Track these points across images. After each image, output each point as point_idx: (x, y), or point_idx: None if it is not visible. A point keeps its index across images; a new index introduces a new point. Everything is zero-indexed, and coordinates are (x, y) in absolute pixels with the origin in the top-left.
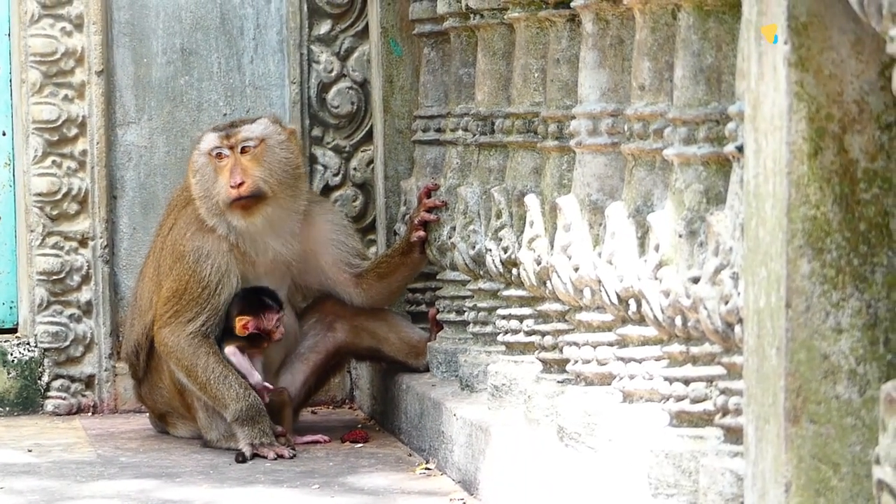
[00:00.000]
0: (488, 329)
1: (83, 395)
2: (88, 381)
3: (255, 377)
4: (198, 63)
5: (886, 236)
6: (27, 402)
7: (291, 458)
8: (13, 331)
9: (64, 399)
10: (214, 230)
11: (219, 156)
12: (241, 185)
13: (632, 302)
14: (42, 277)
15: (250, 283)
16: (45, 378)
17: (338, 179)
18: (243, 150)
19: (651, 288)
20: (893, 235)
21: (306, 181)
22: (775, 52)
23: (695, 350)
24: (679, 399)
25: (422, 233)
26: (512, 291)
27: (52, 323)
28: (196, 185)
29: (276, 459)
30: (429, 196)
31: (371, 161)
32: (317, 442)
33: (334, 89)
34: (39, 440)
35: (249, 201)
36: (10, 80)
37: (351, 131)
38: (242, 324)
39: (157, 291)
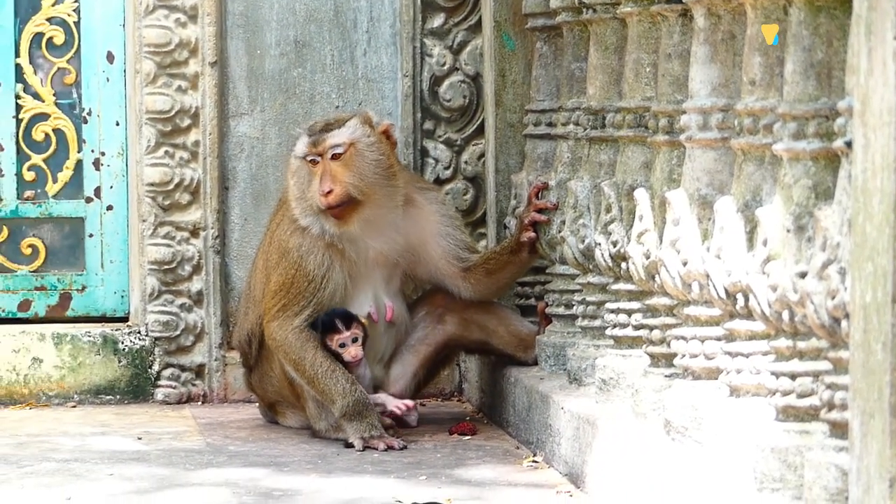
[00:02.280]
0: (597, 323)
1: (193, 385)
2: (198, 371)
3: None
4: (311, 55)
5: None
6: (137, 390)
7: (401, 449)
8: (124, 320)
9: (174, 388)
10: (310, 230)
11: (312, 161)
12: (329, 193)
13: (739, 296)
14: (153, 267)
15: (356, 277)
16: (156, 367)
17: (449, 173)
18: (333, 157)
19: (759, 282)
20: None
21: (402, 175)
22: (885, 47)
23: (801, 345)
24: (785, 394)
25: (532, 234)
26: (621, 285)
27: (162, 312)
28: (293, 187)
29: (385, 451)
30: (538, 196)
31: (482, 155)
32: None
33: (447, 83)
34: (149, 428)
35: (342, 209)
36: (125, 71)
37: (462, 125)
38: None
39: (266, 284)
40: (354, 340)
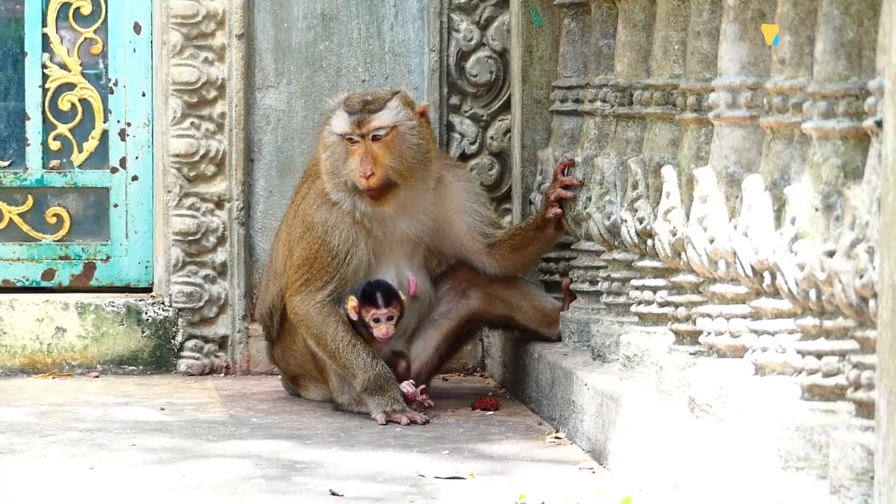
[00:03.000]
0: (621, 299)
1: (216, 356)
2: (221, 342)
3: None
4: (338, 28)
5: None
6: (160, 361)
7: (424, 423)
8: (148, 290)
9: (197, 359)
10: (340, 205)
11: (350, 140)
12: (371, 176)
13: (766, 274)
14: (178, 238)
15: (380, 254)
16: (179, 338)
17: (474, 148)
18: (374, 138)
19: (786, 261)
20: None
21: (436, 157)
22: None
23: (828, 324)
24: (811, 372)
25: (557, 210)
26: (646, 262)
27: (186, 283)
28: (326, 161)
29: (408, 425)
30: (564, 173)
31: (508, 130)
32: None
33: (473, 58)
34: (172, 399)
35: (379, 191)
36: (151, 42)
37: (489, 100)
38: (352, 305)
39: (289, 257)
40: (389, 318)
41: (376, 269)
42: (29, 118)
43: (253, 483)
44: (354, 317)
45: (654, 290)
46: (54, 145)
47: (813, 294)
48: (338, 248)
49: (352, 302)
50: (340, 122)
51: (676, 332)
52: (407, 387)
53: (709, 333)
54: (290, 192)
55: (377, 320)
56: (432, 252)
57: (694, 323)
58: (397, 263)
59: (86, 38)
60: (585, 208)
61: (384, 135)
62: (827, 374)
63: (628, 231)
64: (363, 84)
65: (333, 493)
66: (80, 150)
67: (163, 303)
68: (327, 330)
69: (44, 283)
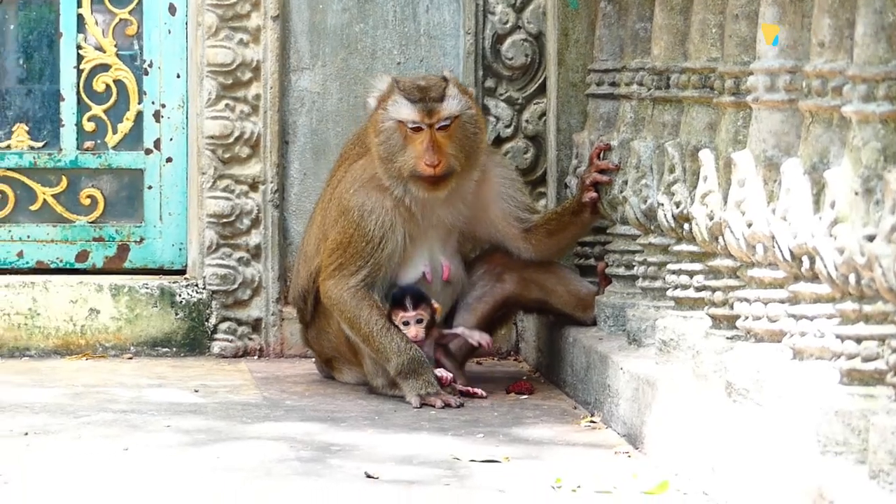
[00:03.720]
0: (657, 284)
1: (250, 339)
2: (255, 325)
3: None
4: (373, 10)
5: None
6: (194, 343)
7: (458, 406)
8: (182, 272)
9: (230, 342)
10: (385, 189)
11: (415, 128)
12: (437, 164)
13: (805, 259)
14: (212, 220)
15: (415, 239)
16: (213, 320)
17: (509, 131)
18: (440, 128)
19: (825, 245)
20: None
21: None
22: None
23: (868, 308)
24: (850, 357)
25: (593, 194)
26: (683, 246)
27: (220, 265)
28: (380, 146)
29: (442, 408)
30: (600, 157)
31: (543, 114)
32: (475, 395)
33: (509, 41)
34: (206, 381)
35: (441, 178)
36: (186, 23)
37: (524, 83)
38: (387, 312)
39: (323, 241)
40: (419, 321)
41: (411, 254)
42: (63, 99)
43: (287, 465)
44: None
45: (691, 274)
46: (88, 126)
47: (852, 278)
48: (373, 233)
49: (386, 307)
50: (404, 110)
51: (713, 317)
52: (442, 372)
53: (746, 318)
54: (324, 174)
55: (406, 323)
56: (466, 237)
57: (731, 307)
58: (431, 249)
59: (121, 20)
60: (621, 192)
61: (449, 124)
62: (866, 359)
63: (665, 215)
64: (398, 67)
65: (368, 476)
66: (115, 132)
67: (196, 285)
68: (361, 314)
69: (77, 265)
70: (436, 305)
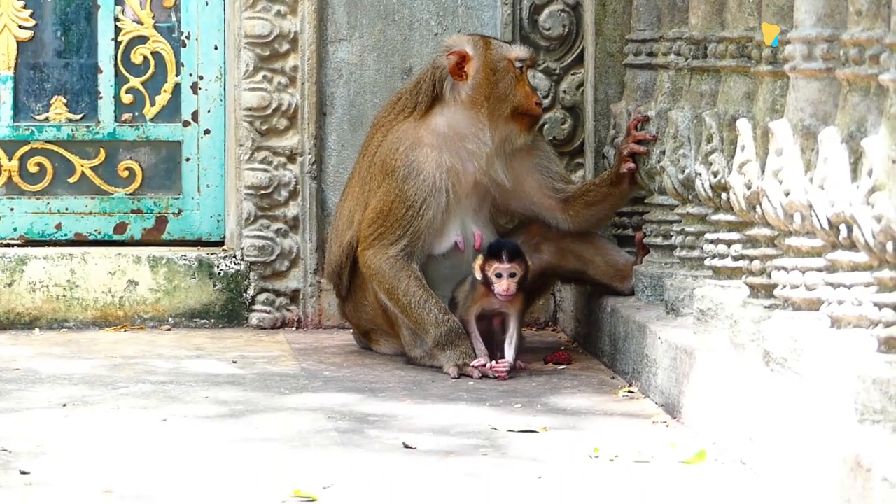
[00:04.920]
0: (695, 253)
1: (287, 310)
2: (293, 296)
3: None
4: None
5: None
6: (232, 314)
7: (496, 377)
8: (220, 244)
9: (269, 313)
10: (434, 148)
11: (521, 69)
12: (540, 103)
13: (842, 227)
14: (250, 191)
15: (451, 205)
16: (251, 292)
17: (547, 102)
18: (524, 70)
19: (863, 213)
20: None
21: None
22: None
23: None
24: (888, 325)
25: (631, 164)
26: (721, 216)
27: (258, 237)
28: (494, 86)
29: (480, 379)
30: (638, 128)
31: (581, 84)
32: (519, 367)
33: (546, 11)
34: (244, 352)
35: (537, 119)
36: None
37: (562, 54)
38: (478, 263)
39: (360, 211)
40: (512, 275)
41: (446, 220)
42: (101, 72)
43: (325, 435)
44: (479, 275)
45: (729, 243)
46: (126, 99)
47: (890, 246)
48: (414, 198)
49: (478, 260)
50: (515, 50)
51: (751, 286)
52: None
53: (784, 287)
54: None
55: (499, 275)
56: (500, 210)
57: (769, 276)
58: (463, 219)
59: None
60: (659, 162)
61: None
62: None
63: (702, 184)
64: (435, 38)
65: (406, 446)
66: (153, 104)
67: (234, 256)
68: (399, 285)
69: (116, 237)
70: (529, 264)
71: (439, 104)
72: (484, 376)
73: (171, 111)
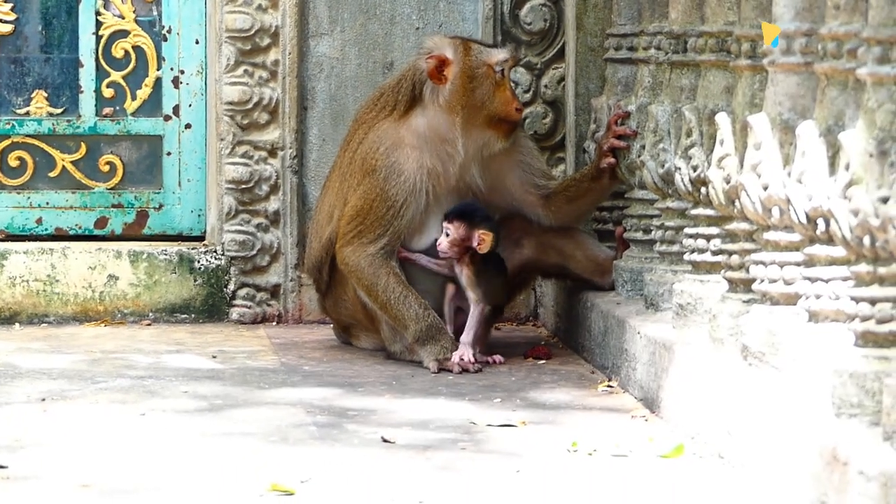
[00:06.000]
0: (675, 248)
1: (268, 305)
2: (274, 291)
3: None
4: None
5: None
6: (213, 309)
7: (476, 372)
8: (201, 238)
9: (249, 308)
10: (415, 149)
11: (501, 73)
12: (520, 109)
13: (820, 221)
14: (231, 186)
15: (431, 204)
16: (231, 286)
17: (528, 96)
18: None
19: (840, 207)
20: None
21: None
22: None
23: (882, 270)
24: (865, 319)
25: (611, 159)
26: (700, 210)
27: (239, 232)
28: (471, 93)
29: (460, 373)
30: (618, 123)
31: (562, 78)
32: (493, 362)
33: (527, 6)
34: (224, 347)
35: (515, 126)
36: None
37: (543, 48)
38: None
39: (340, 207)
40: (446, 235)
41: (426, 219)
42: (82, 65)
43: (304, 430)
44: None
45: (708, 238)
46: (107, 93)
47: (867, 240)
48: (395, 198)
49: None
50: (496, 54)
51: (730, 280)
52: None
53: (762, 281)
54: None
55: (446, 234)
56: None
57: (747, 271)
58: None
59: None
60: (639, 156)
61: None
62: (880, 321)
63: (682, 179)
64: (417, 32)
65: (385, 440)
66: (134, 98)
67: (215, 251)
68: (378, 282)
69: (96, 231)
70: (481, 233)
71: (420, 105)
72: (464, 370)
73: (151, 105)
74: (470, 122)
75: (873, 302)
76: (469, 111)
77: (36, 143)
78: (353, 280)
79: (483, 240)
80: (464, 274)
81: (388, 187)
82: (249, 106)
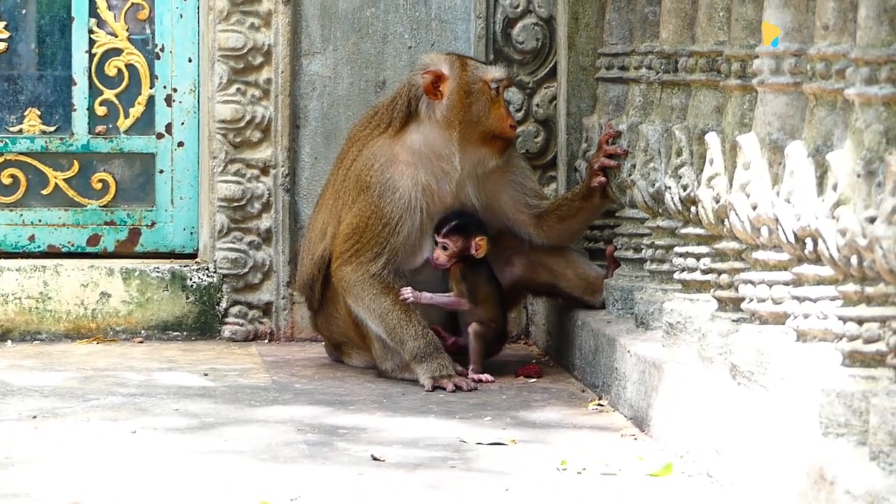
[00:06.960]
0: (665, 267)
1: (260, 322)
2: (266, 309)
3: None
4: None
5: None
6: (205, 327)
7: (469, 390)
8: (193, 256)
9: (241, 325)
10: (410, 166)
11: (497, 90)
12: (515, 126)
13: (808, 241)
14: (223, 204)
15: (425, 222)
16: (223, 304)
17: (520, 115)
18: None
19: (828, 227)
20: None
21: None
22: None
23: (869, 290)
24: (852, 339)
25: (602, 179)
26: (690, 229)
27: (231, 249)
28: (468, 109)
29: (454, 391)
30: (609, 143)
31: (554, 98)
32: (483, 381)
33: (520, 25)
34: (215, 365)
35: (510, 143)
36: (198, 7)
37: (535, 67)
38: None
39: (334, 224)
40: (444, 248)
41: (420, 237)
42: (75, 83)
43: (295, 448)
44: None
45: (698, 257)
46: (100, 111)
47: (854, 260)
48: (390, 215)
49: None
50: (492, 71)
51: (719, 299)
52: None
53: (751, 300)
54: (335, 158)
55: (445, 248)
56: None
57: (736, 290)
58: None
59: (133, 4)
60: (630, 175)
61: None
62: (868, 341)
63: (672, 198)
64: (409, 51)
65: (375, 458)
66: (126, 116)
67: (207, 269)
68: (379, 301)
69: (89, 249)
70: (478, 240)
71: (415, 121)
72: (458, 388)
73: (144, 123)
74: (466, 138)
75: (860, 321)
76: (465, 127)
77: (29, 160)
78: (351, 299)
79: (480, 245)
80: (450, 271)
81: (383, 204)
82: (242, 124)
